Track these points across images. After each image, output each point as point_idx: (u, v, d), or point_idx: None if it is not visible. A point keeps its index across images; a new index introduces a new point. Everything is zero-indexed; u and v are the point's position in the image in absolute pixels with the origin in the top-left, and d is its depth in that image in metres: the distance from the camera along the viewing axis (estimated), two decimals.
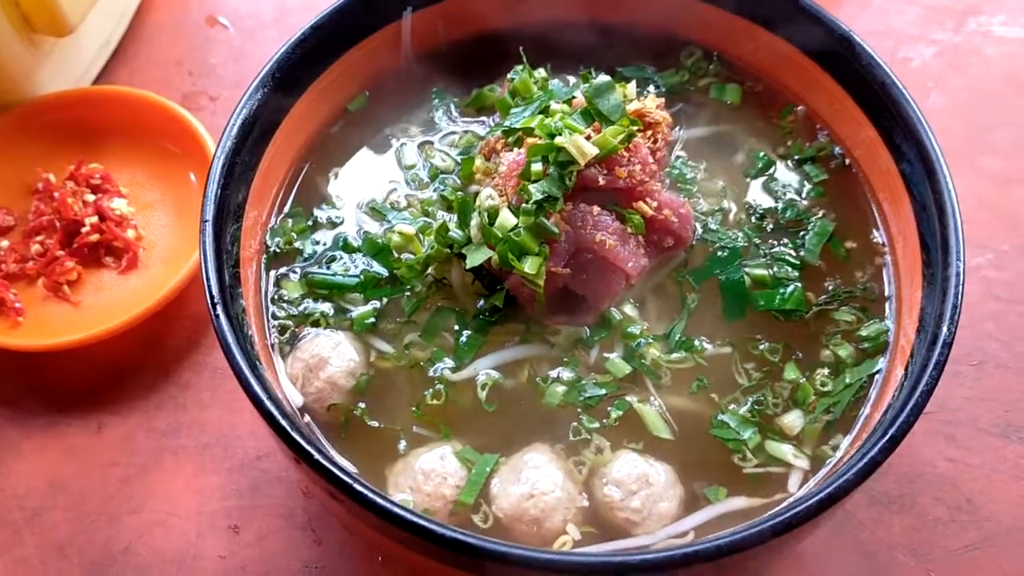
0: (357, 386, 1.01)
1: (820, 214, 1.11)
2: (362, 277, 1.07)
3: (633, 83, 1.08)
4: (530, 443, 0.98)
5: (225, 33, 1.61)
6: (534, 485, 0.93)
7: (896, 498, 1.16)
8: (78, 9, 1.35)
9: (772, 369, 1.02)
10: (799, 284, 1.06)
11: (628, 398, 1.00)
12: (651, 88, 1.19)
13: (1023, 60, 1.53)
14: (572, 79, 1.18)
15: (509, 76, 1.14)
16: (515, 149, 1.05)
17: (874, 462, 0.83)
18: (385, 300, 1.06)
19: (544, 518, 0.93)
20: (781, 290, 1.05)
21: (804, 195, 1.12)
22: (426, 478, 0.95)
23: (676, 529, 0.93)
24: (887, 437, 0.83)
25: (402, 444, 0.98)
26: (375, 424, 1.00)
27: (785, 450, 0.97)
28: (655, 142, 1.06)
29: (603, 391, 1.00)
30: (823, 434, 0.98)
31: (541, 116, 1.05)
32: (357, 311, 1.05)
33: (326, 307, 1.06)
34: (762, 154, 1.15)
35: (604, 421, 0.99)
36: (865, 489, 1.15)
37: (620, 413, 0.99)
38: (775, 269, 1.07)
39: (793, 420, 0.99)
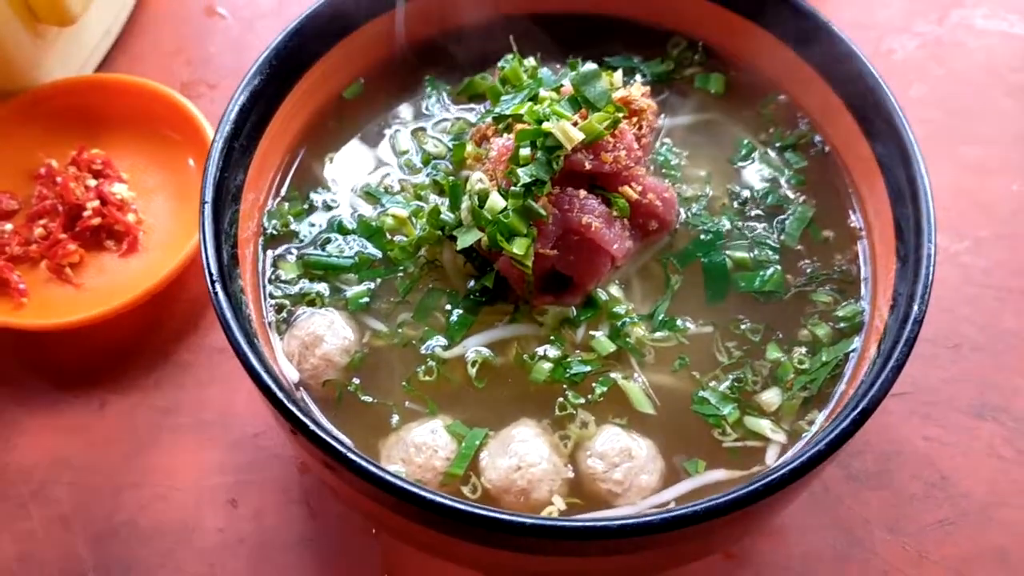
0: (351, 363, 1.05)
1: (801, 199, 1.14)
2: (357, 259, 1.11)
3: (619, 72, 1.12)
4: (518, 418, 1.02)
5: (224, 23, 1.64)
6: (521, 458, 0.97)
7: (874, 475, 1.19)
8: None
9: (752, 348, 1.06)
10: (778, 267, 1.09)
11: (612, 375, 1.03)
12: (637, 77, 1.22)
13: (1003, 52, 1.56)
14: (561, 68, 1.22)
15: (500, 64, 1.18)
16: (505, 135, 1.09)
17: (845, 434, 0.86)
18: (379, 281, 1.10)
19: (531, 489, 0.96)
20: (761, 272, 1.09)
21: (785, 181, 1.15)
22: (417, 450, 0.99)
23: (657, 500, 0.97)
24: (858, 410, 0.87)
25: (395, 418, 1.02)
26: (368, 399, 1.03)
27: (763, 425, 1.01)
28: (640, 128, 1.10)
29: (588, 368, 1.03)
30: (800, 410, 1.02)
31: (530, 103, 1.08)
32: (352, 291, 1.09)
33: (321, 287, 1.09)
34: (745, 141, 1.18)
35: (589, 397, 1.02)
36: (844, 466, 1.20)
37: (604, 389, 1.02)
38: (756, 252, 1.11)
39: (772, 397, 1.02)
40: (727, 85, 1.23)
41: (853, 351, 1.04)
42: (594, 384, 1.03)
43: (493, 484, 0.97)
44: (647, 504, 0.96)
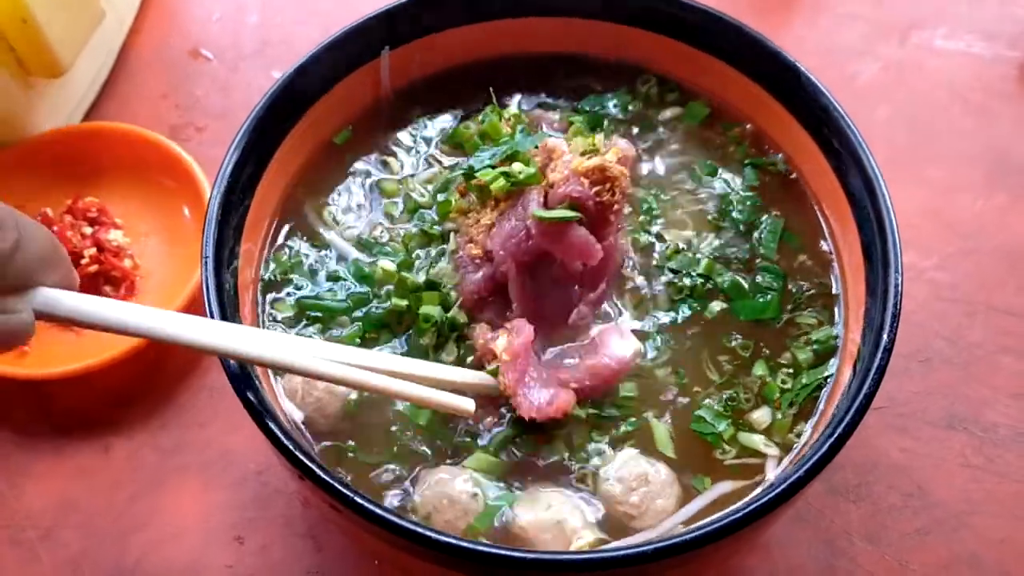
0: (352, 402, 1.09)
1: (774, 213, 1.21)
2: (349, 301, 1.15)
3: (602, 135, 1.16)
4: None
5: (208, 65, 1.68)
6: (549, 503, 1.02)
7: (853, 488, 1.25)
8: (70, 51, 1.42)
9: (743, 363, 1.11)
10: (777, 293, 1.15)
11: (646, 415, 1.08)
12: (607, 123, 1.28)
13: (962, 71, 1.63)
14: (538, 110, 1.28)
15: (480, 118, 1.22)
16: (495, 213, 1.13)
17: (824, 459, 0.92)
18: (374, 324, 1.13)
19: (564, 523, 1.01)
20: (760, 298, 1.14)
21: (758, 208, 1.21)
22: (448, 501, 1.02)
23: (674, 521, 1.02)
24: (835, 435, 0.93)
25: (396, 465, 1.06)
26: (373, 439, 1.07)
27: (757, 440, 1.06)
28: (613, 195, 1.10)
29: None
30: (791, 425, 1.07)
31: (501, 175, 1.12)
32: (345, 332, 1.13)
33: (316, 328, 1.13)
34: (719, 173, 1.24)
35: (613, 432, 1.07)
36: (824, 480, 1.25)
37: (630, 429, 1.07)
38: (756, 279, 1.16)
39: (762, 415, 1.08)
40: (699, 118, 1.28)
41: (830, 375, 1.09)
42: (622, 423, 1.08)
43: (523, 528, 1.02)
44: (664, 527, 1.02)
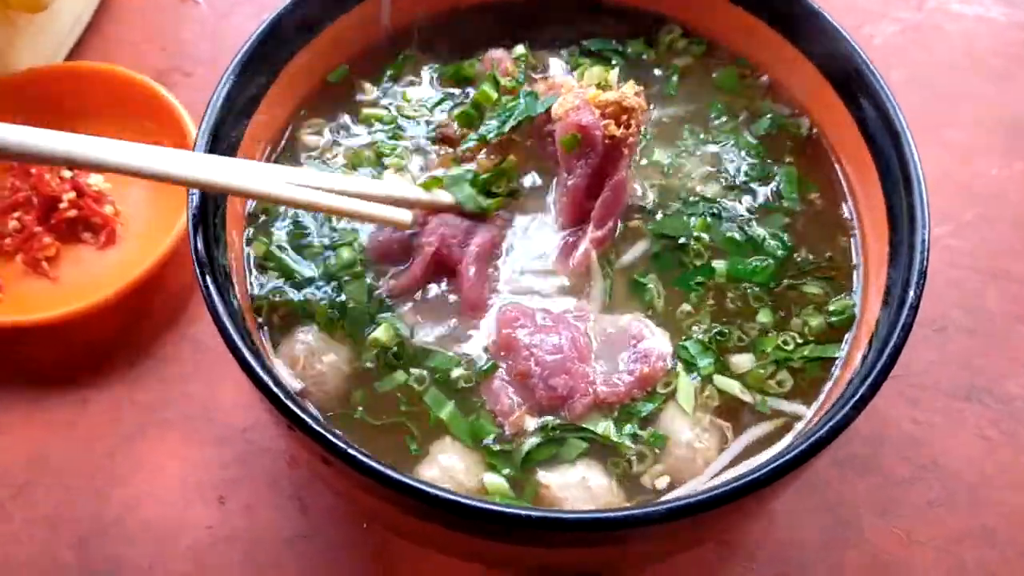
0: (357, 371, 1.02)
1: (787, 161, 1.15)
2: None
3: (616, 70, 1.11)
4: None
5: (197, 10, 1.61)
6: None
7: (862, 458, 1.20)
8: None
9: (749, 311, 1.06)
10: (775, 261, 1.08)
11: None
12: (615, 61, 1.22)
13: (980, 36, 1.58)
14: (550, 52, 1.22)
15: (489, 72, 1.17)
16: None
17: (846, 420, 0.87)
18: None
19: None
20: (756, 262, 1.08)
21: (776, 170, 1.15)
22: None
23: (717, 467, 0.98)
24: (858, 396, 0.88)
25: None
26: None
27: (733, 384, 1.01)
28: (628, 127, 1.06)
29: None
30: (770, 376, 1.03)
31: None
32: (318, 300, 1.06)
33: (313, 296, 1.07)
34: (736, 131, 1.18)
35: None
36: (832, 449, 1.20)
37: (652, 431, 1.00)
38: (763, 243, 1.10)
39: (743, 361, 1.03)
40: (714, 69, 1.22)
41: (844, 344, 1.03)
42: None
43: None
44: (708, 474, 0.97)
